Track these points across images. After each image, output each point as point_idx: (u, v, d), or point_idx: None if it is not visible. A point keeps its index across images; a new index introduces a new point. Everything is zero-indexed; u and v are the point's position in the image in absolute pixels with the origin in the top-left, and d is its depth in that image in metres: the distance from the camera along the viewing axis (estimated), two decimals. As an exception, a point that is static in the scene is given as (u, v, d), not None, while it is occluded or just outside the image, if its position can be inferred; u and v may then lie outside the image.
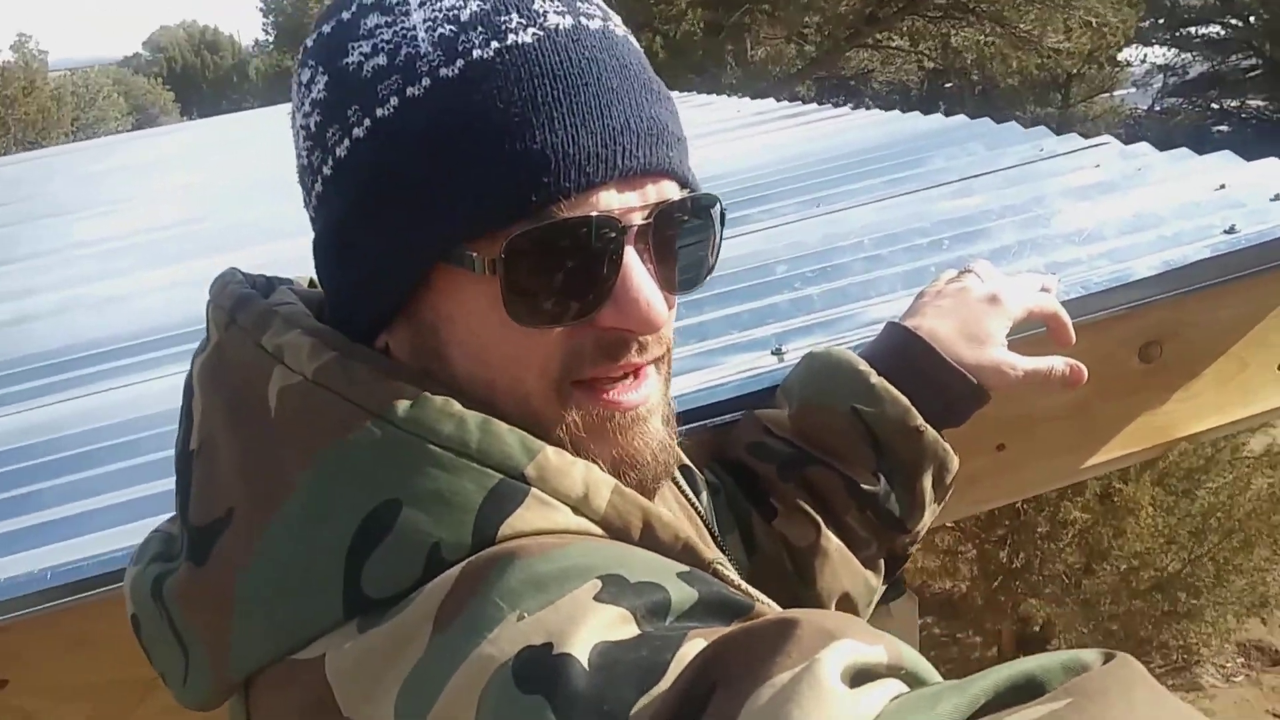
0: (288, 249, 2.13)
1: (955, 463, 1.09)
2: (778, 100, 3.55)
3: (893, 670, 0.52)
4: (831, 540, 1.08)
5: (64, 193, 3.79)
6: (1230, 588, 6.28)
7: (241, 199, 2.95)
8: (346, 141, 0.70)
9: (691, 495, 0.98)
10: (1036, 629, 6.91)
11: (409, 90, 0.67)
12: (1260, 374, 1.46)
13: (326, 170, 0.72)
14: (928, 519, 1.12)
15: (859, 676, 0.50)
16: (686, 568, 0.64)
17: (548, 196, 0.66)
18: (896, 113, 2.72)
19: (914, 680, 0.52)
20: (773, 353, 1.26)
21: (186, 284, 2.04)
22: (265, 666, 0.67)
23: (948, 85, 21.19)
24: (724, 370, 1.24)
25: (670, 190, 0.72)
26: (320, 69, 0.73)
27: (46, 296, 2.13)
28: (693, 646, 0.53)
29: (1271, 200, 1.47)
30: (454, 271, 0.69)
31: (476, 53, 0.67)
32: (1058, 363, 1.11)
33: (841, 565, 1.09)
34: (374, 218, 0.70)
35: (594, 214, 0.67)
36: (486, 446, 0.65)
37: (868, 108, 2.93)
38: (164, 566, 0.74)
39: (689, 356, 1.28)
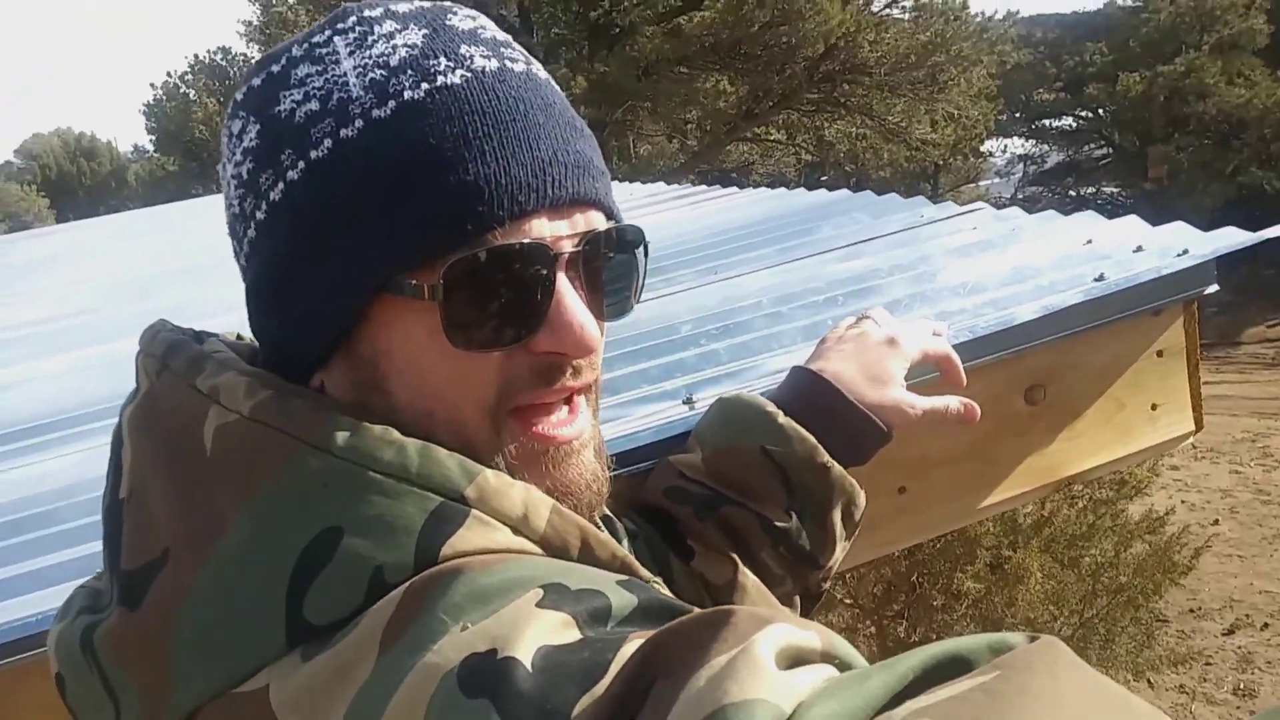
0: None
1: (862, 498, 1.13)
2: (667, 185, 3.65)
3: (826, 657, 0.54)
4: (749, 576, 1.11)
5: (-61, 293, 3.67)
6: (1118, 648, 6.47)
7: (137, 291, 2.91)
8: (280, 185, 0.72)
9: None
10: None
11: (342, 132, 0.71)
12: (1137, 414, 1.55)
13: (260, 215, 0.74)
14: (839, 554, 1.15)
15: (793, 660, 0.53)
16: (625, 576, 0.66)
17: (482, 225, 0.69)
18: (783, 190, 2.84)
19: (845, 667, 0.54)
20: (684, 402, 1.30)
21: (83, 370, 2.01)
22: (203, 705, 0.66)
23: (823, 178, 21.97)
24: (638, 421, 1.27)
25: (597, 220, 0.76)
26: (251, 118, 0.75)
27: (-69, 388, 2.06)
28: (632, 647, 0.55)
29: (1134, 252, 1.58)
30: (393, 302, 0.71)
31: (408, 94, 0.71)
32: (953, 401, 1.17)
33: (760, 600, 1.11)
34: (312, 255, 0.72)
35: (527, 241, 0.71)
36: (426, 471, 0.67)
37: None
38: (93, 617, 0.74)
39: (603, 408, 1.31)
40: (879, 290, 1.63)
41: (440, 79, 0.71)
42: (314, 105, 0.72)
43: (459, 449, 0.70)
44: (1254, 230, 1.54)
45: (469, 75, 0.72)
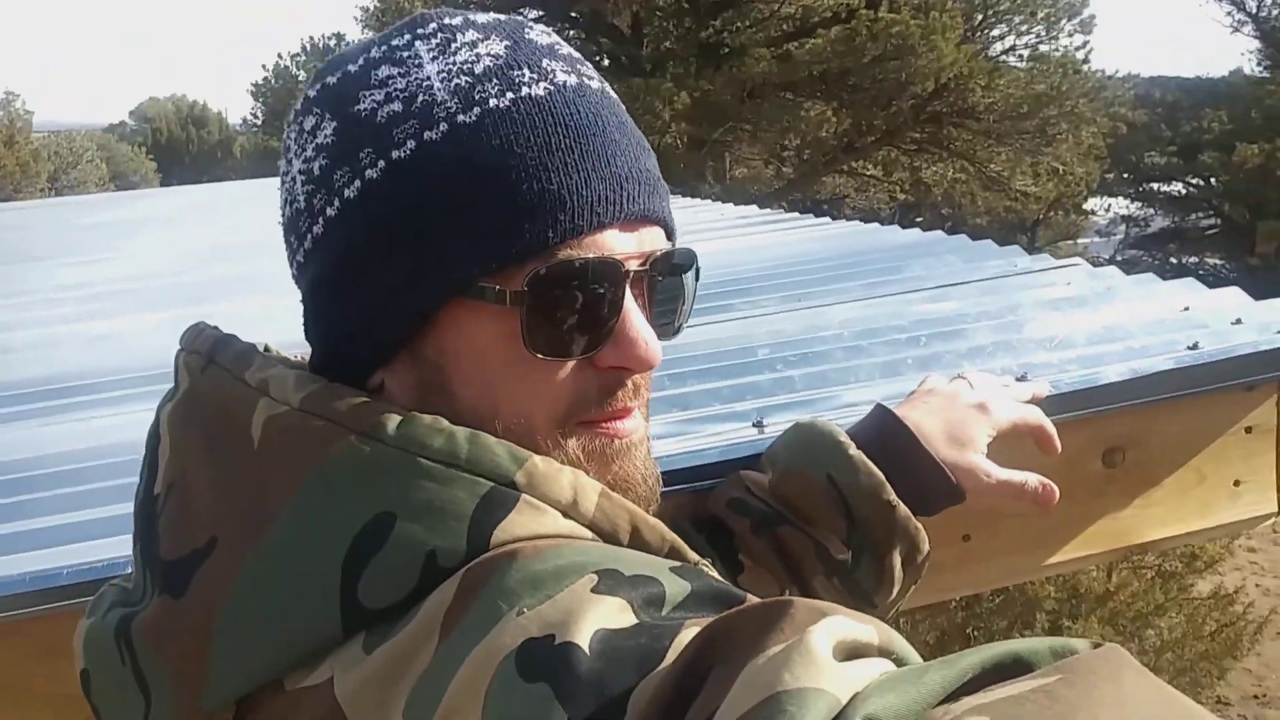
0: (273, 304, 2.17)
1: (926, 544, 1.10)
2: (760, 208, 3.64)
3: (883, 651, 0.54)
4: None
5: (43, 242, 3.82)
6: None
7: (227, 257, 2.99)
8: (357, 183, 0.73)
9: None
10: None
11: (426, 134, 0.72)
12: (1217, 489, 1.51)
13: (330, 211, 0.75)
14: (896, 597, 1.13)
15: (850, 652, 0.53)
16: (677, 563, 0.67)
17: (564, 235, 0.71)
18: (876, 225, 2.81)
19: (902, 663, 0.54)
20: (754, 424, 1.29)
21: (177, 327, 2.05)
22: (253, 694, 0.67)
23: (918, 220, 21.74)
24: (705, 439, 1.27)
25: (659, 238, 0.78)
26: (327, 115, 0.76)
27: (29, 332, 2.14)
28: (689, 633, 0.56)
29: (1232, 324, 1.54)
30: (465, 305, 0.73)
31: (493, 102, 0.72)
32: (1032, 478, 1.13)
33: None
34: (387, 254, 0.73)
35: (606, 255, 0.72)
36: (476, 457, 0.68)
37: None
38: (127, 610, 0.75)
39: (672, 423, 1.32)
40: (962, 335, 1.60)
41: (524, 89, 0.73)
42: (397, 106, 0.73)
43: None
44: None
45: (551, 88, 0.73)
